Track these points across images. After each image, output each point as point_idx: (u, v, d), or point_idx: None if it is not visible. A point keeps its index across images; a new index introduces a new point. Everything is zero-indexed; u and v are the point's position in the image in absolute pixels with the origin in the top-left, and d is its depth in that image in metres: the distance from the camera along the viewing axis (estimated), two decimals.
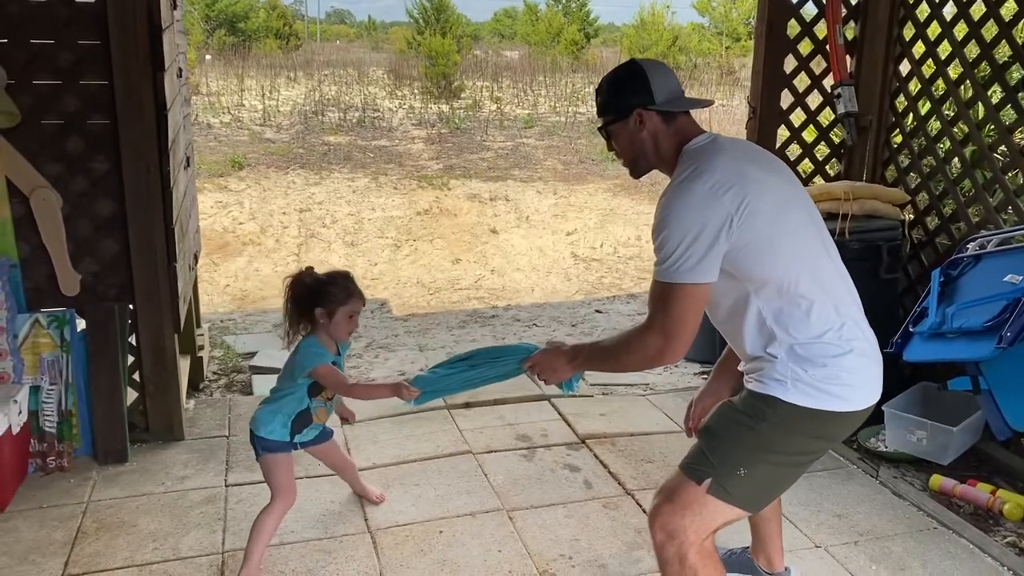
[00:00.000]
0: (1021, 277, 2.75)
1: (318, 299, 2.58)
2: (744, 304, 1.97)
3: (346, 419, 3.04)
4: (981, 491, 3.14)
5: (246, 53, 25.74)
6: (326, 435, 2.89)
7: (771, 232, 1.91)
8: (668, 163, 2.07)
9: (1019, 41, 3.37)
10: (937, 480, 3.24)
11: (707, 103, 2.22)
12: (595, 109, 2.22)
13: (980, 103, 3.64)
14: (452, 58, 19.63)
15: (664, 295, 1.91)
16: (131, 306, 3.40)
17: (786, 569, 2.57)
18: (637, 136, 2.07)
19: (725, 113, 15.75)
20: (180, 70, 3.98)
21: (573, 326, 5.76)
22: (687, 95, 2.12)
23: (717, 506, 1.96)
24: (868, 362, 1.98)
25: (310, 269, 2.68)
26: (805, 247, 1.98)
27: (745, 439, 1.96)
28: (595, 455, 3.53)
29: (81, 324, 3.36)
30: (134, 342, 3.48)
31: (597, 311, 6.19)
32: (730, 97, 18.42)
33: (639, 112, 2.05)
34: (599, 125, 2.17)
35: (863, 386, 1.97)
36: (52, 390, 3.29)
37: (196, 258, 4.38)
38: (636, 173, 2.16)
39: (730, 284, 1.96)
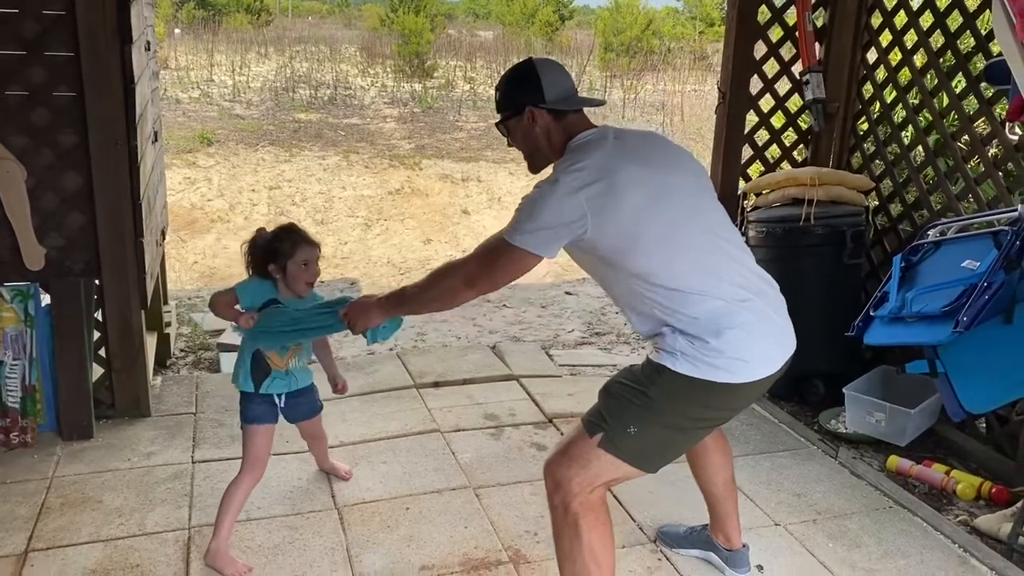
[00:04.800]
0: (978, 263, 2.81)
1: (269, 257, 2.61)
2: (629, 289, 2.09)
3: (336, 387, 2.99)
4: (936, 472, 3.23)
5: (216, 28, 25.37)
6: (315, 408, 2.90)
7: (637, 227, 2.00)
8: (558, 156, 2.18)
9: (982, 31, 3.43)
10: (894, 461, 3.32)
11: (599, 103, 2.37)
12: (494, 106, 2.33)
13: (944, 92, 3.70)
14: (426, 37, 19.54)
15: (493, 246, 2.09)
16: (97, 281, 3.37)
17: (744, 545, 2.63)
18: (531, 132, 2.20)
19: (698, 98, 15.83)
20: (148, 43, 3.93)
21: (543, 307, 5.79)
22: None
23: (605, 461, 2.07)
24: (757, 338, 2.05)
25: (261, 230, 2.70)
26: (682, 236, 2.05)
27: (637, 401, 2.07)
28: (562, 434, 3.57)
29: (46, 299, 3.33)
30: (100, 317, 3.46)
31: (567, 293, 6.22)
32: (703, 82, 18.50)
33: (531, 110, 2.17)
34: (496, 121, 2.29)
35: (751, 360, 2.04)
36: (15, 365, 3.26)
37: (163, 234, 4.34)
38: (533, 167, 2.26)
39: (613, 272, 2.10)
